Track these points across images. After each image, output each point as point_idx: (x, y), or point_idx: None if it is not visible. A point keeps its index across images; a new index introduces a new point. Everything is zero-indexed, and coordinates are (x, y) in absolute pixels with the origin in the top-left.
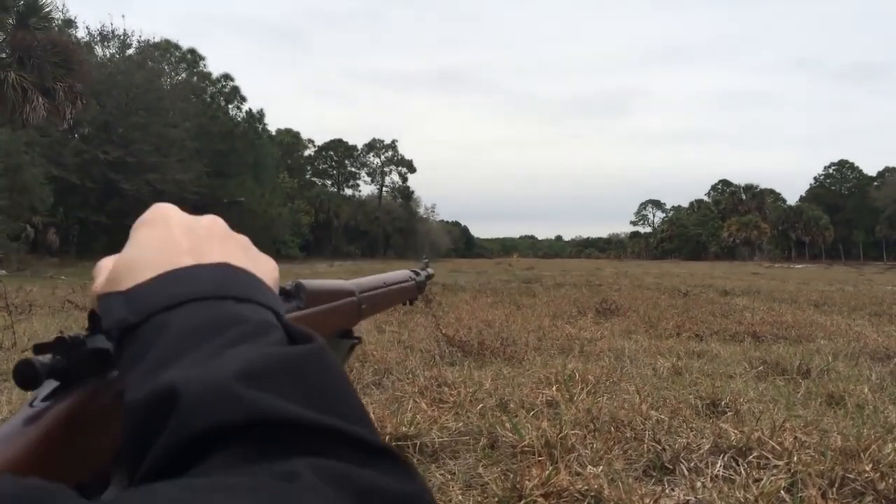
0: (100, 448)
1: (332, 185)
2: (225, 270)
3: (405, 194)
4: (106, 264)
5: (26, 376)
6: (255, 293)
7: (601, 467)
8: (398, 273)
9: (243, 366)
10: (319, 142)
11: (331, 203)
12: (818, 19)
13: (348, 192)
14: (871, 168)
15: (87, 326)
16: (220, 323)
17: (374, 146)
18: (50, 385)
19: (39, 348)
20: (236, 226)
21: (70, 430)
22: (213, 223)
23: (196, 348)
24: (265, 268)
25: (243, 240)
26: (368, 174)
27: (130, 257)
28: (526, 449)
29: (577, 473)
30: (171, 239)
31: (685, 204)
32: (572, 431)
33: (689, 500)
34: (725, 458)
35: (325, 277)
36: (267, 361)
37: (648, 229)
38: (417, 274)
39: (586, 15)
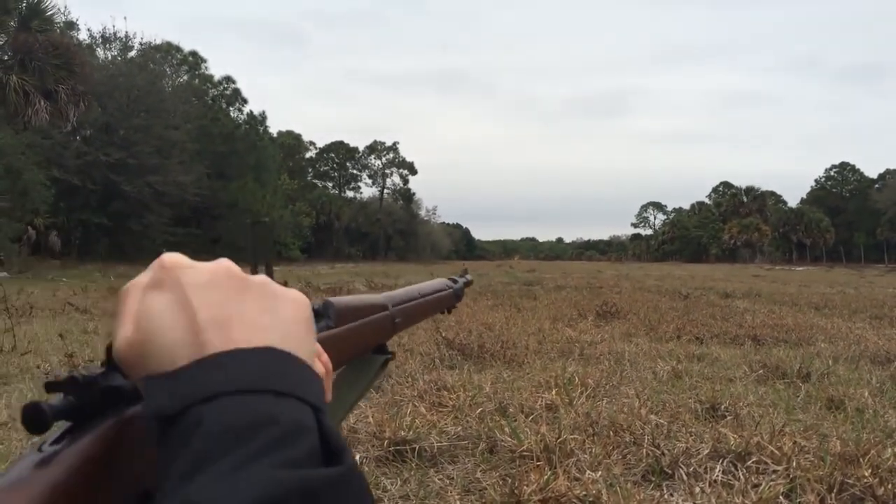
0: (117, 493)
1: (334, 187)
2: (267, 358)
3: (406, 196)
4: (130, 310)
5: (35, 420)
6: (298, 385)
7: (600, 472)
8: (434, 282)
9: (258, 494)
10: (320, 144)
11: (332, 205)
12: (819, 20)
13: (349, 194)
14: (872, 170)
15: (103, 362)
16: (252, 426)
17: (375, 148)
18: (61, 426)
19: (51, 386)
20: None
21: (83, 475)
22: (227, 275)
23: (222, 457)
24: (292, 314)
25: (260, 285)
26: (369, 176)
27: (150, 332)
28: (525, 454)
29: (575, 478)
30: (190, 310)
31: (686, 206)
32: (571, 436)
33: None
34: (724, 463)
35: (325, 279)
36: (285, 492)
37: (649, 231)
38: (455, 282)
39: (586, 15)
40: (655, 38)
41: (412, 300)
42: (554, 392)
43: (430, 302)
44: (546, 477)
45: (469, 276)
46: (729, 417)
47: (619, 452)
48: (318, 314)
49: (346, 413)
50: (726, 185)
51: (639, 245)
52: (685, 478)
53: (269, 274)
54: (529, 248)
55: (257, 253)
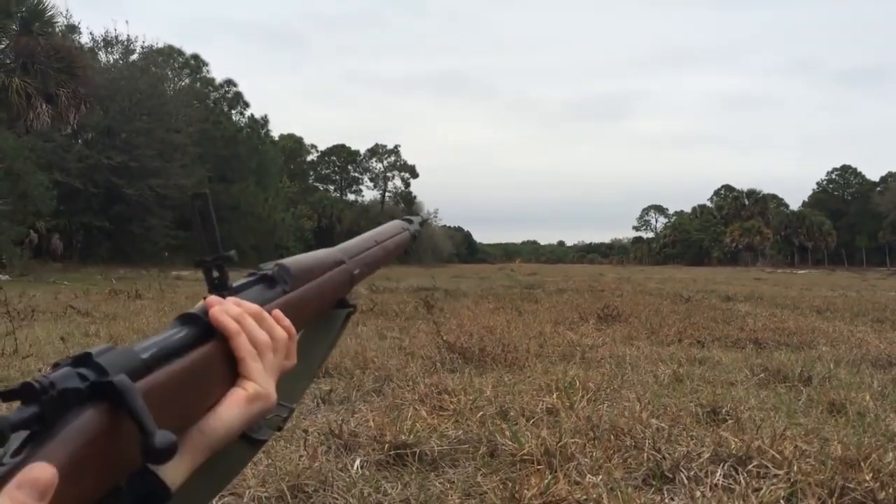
0: (85, 494)
1: (335, 190)
2: None
3: (407, 199)
4: None
5: None
6: None
7: (600, 476)
8: (389, 226)
9: None
10: (322, 147)
11: (333, 208)
12: (820, 22)
13: (351, 197)
14: (874, 173)
15: (52, 365)
16: None
17: (376, 151)
18: (21, 435)
19: (5, 395)
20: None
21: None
22: None
23: None
24: None
25: None
26: (371, 179)
27: None
28: (525, 457)
29: (576, 482)
30: None
31: (688, 209)
32: (572, 440)
33: None
34: (725, 467)
35: None
36: None
37: (651, 234)
38: (410, 222)
39: (587, 17)
40: (656, 41)
41: (368, 249)
42: (555, 396)
43: (387, 247)
44: (546, 481)
45: (423, 215)
46: (730, 421)
47: (620, 456)
48: (273, 280)
49: (315, 371)
50: (728, 188)
51: (640, 248)
52: (686, 482)
53: (216, 250)
54: (531, 251)
55: (204, 230)
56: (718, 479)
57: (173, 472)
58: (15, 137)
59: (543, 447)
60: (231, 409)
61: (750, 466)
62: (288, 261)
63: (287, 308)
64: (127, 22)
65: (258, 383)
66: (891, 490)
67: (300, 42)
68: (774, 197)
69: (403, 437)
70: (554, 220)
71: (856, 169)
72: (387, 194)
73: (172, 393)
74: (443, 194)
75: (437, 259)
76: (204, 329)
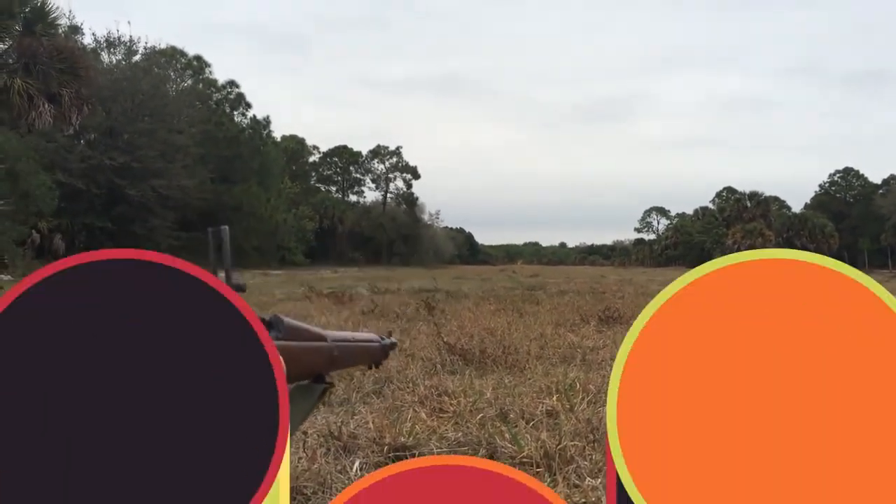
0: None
1: (337, 191)
2: None
3: (409, 201)
4: None
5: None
6: None
7: (599, 479)
8: (366, 333)
9: None
10: (324, 148)
11: (335, 209)
12: (823, 25)
13: (353, 198)
14: (876, 176)
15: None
16: None
17: (378, 153)
18: None
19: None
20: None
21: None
22: None
23: None
24: None
25: None
26: (373, 181)
27: None
28: (525, 460)
29: (575, 486)
30: None
31: (690, 211)
32: (571, 442)
33: None
34: None
35: (329, 284)
36: None
37: (653, 236)
38: (383, 339)
39: (588, 20)
40: (657, 42)
41: (346, 341)
42: (555, 398)
43: (362, 347)
44: (545, 484)
45: (394, 339)
46: None
47: None
48: (270, 325)
49: (292, 431)
50: (730, 189)
51: (642, 250)
52: None
53: (228, 281)
54: (532, 253)
55: (217, 260)
56: None
57: None
58: (17, 138)
59: (543, 450)
60: None
61: None
62: (283, 316)
63: (280, 350)
64: (129, 23)
65: None
66: None
67: (302, 43)
68: (776, 199)
69: (403, 440)
70: (556, 222)
71: (858, 171)
72: (389, 195)
73: None
74: (445, 195)
75: (439, 260)
76: None
